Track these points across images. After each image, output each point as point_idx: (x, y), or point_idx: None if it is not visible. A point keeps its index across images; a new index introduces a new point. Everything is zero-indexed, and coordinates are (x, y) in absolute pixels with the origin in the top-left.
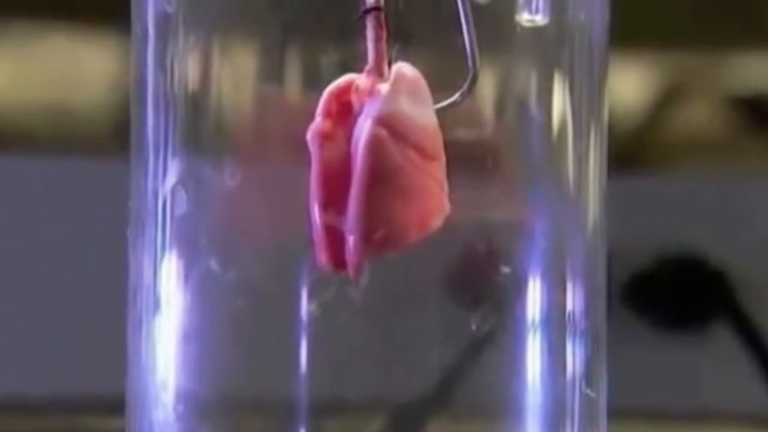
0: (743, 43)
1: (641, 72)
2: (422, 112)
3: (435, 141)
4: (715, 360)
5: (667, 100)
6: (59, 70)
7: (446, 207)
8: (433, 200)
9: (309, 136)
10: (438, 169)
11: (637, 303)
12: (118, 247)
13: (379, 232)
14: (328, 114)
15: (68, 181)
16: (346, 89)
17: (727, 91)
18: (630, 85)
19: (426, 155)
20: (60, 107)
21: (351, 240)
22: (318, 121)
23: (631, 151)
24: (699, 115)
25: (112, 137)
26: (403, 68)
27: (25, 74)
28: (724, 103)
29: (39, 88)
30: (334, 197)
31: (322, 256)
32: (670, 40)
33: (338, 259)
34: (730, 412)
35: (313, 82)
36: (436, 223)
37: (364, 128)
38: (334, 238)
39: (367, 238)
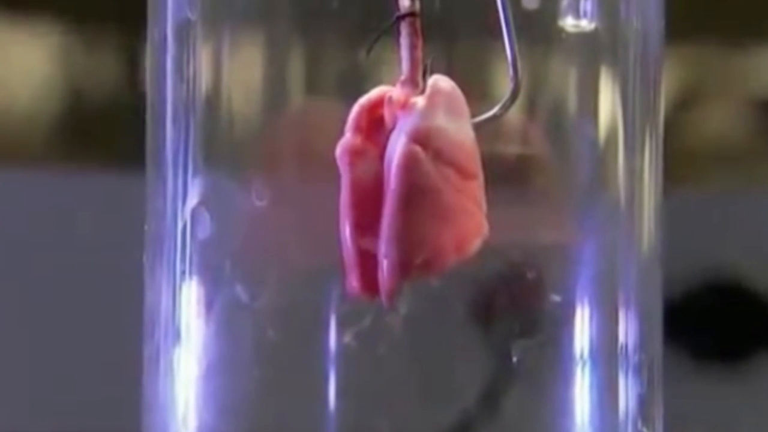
0: (763, 42)
1: None
2: (459, 128)
3: (473, 159)
4: (755, 396)
5: (685, 102)
6: None
7: (485, 229)
8: (472, 222)
9: (338, 153)
10: (476, 188)
11: (671, 333)
12: (66, 259)
13: (414, 256)
14: (358, 129)
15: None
16: (378, 103)
17: (749, 94)
18: None
19: (464, 174)
20: None
21: (385, 264)
22: (347, 137)
23: None
24: (721, 120)
25: (52, 144)
26: (440, 81)
27: None
28: (747, 107)
29: None
30: (366, 219)
31: (354, 282)
32: (687, 38)
33: (371, 285)
34: None
35: (345, 94)
36: (474, 246)
37: (397, 145)
38: (367, 262)
39: (402, 262)
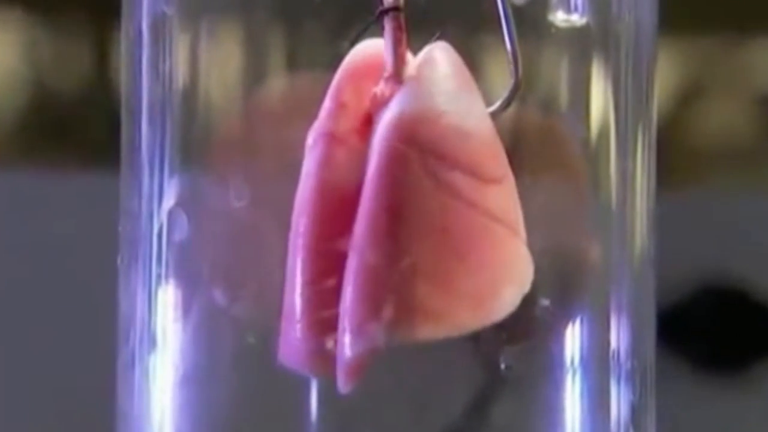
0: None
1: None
2: (466, 112)
3: (490, 154)
4: (755, 404)
5: (686, 99)
6: None
7: (526, 269)
8: (499, 252)
9: (309, 139)
10: (501, 196)
11: (670, 339)
12: (34, 262)
13: (398, 312)
14: (340, 106)
15: None
16: (367, 71)
17: (753, 90)
18: None
19: (479, 176)
20: None
21: (347, 324)
22: (322, 118)
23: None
24: (724, 117)
25: (18, 142)
26: (437, 50)
27: None
28: (751, 103)
29: None
30: (330, 255)
31: (297, 345)
32: (689, 33)
33: (324, 352)
34: None
35: (325, 88)
36: (509, 296)
37: (376, 140)
38: (324, 313)
39: (372, 321)
